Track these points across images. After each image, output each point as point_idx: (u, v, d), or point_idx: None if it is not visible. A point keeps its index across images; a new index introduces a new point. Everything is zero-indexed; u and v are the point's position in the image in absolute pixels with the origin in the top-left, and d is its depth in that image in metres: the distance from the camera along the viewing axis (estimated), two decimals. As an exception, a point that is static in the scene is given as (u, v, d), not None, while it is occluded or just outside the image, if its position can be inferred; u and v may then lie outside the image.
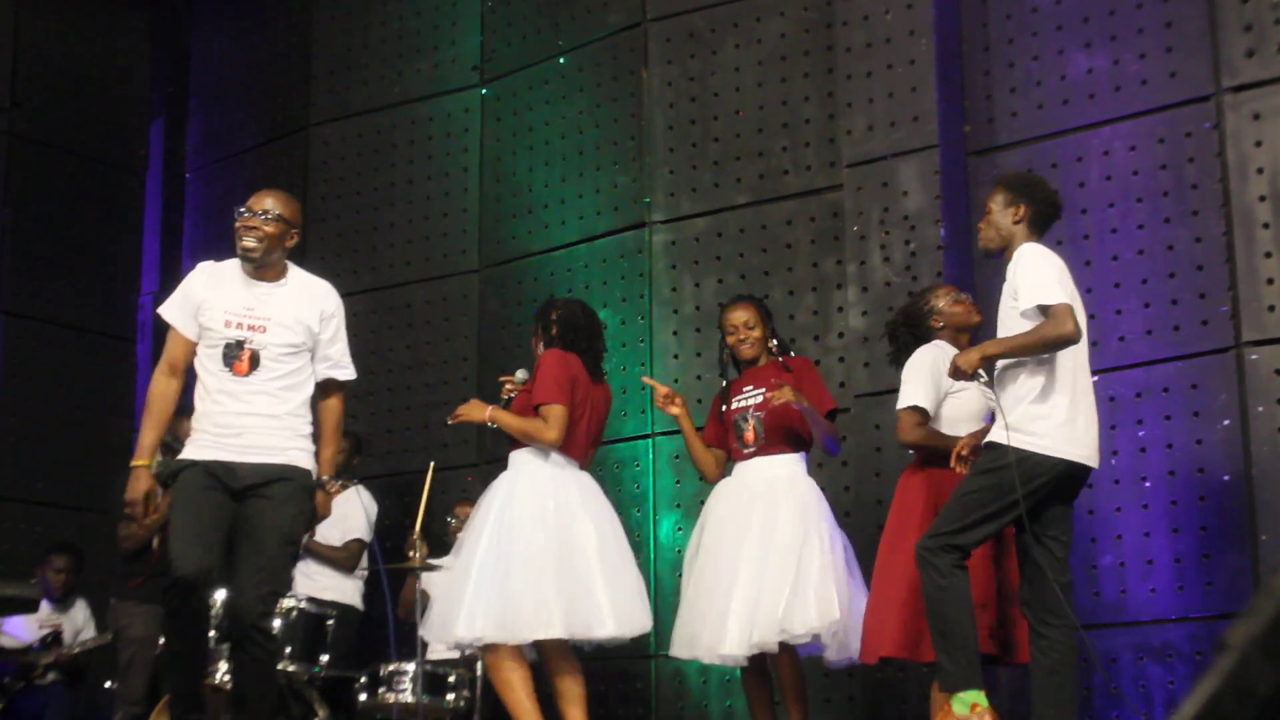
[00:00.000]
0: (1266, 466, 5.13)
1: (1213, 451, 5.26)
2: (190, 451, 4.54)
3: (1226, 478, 5.25)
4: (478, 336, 7.40)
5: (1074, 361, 4.31)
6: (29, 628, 6.91)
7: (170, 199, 8.88)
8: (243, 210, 4.59)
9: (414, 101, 7.86)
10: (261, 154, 8.45)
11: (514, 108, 7.50)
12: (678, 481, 6.46)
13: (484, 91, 7.64)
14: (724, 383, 5.42)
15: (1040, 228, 4.51)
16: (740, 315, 5.33)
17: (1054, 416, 4.26)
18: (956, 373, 4.37)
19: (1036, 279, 4.29)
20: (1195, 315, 5.40)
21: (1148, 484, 5.42)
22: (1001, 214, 4.48)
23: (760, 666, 5.13)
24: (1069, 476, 4.28)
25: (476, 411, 5.12)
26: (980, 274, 5.94)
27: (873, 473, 5.82)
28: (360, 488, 6.91)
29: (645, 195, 6.85)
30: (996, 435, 4.30)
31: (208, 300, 4.56)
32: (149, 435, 4.53)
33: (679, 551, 5.51)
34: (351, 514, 6.74)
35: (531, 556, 4.88)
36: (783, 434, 5.17)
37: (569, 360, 5.13)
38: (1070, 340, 4.26)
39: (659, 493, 6.58)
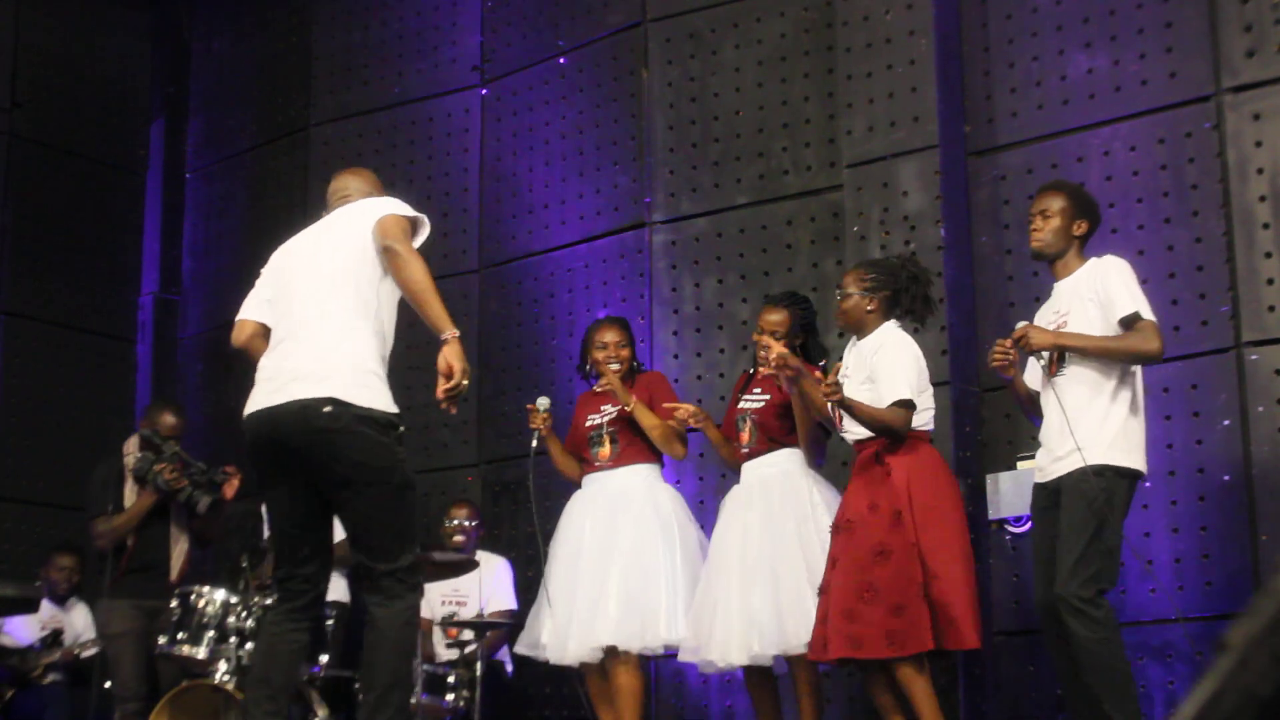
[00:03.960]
0: (1266, 466, 5.14)
1: (1213, 451, 5.26)
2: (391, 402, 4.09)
3: (1226, 478, 5.25)
4: (478, 336, 7.40)
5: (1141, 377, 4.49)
6: (29, 628, 6.90)
7: (170, 199, 8.88)
8: None
9: (414, 101, 7.86)
10: (261, 154, 8.45)
11: (514, 108, 7.49)
12: (678, 481, 6.46)
13: (484, 91, 7.64)
14: (749, 372, 5.48)
15: (1084, 246, 4.67)
16: (773, 318, 5.24)
17: (1140, 431, 4.43)
18: (1027, 344, 4.40)
19: (1136, 289, 4.42)
20: (1195, 315, 5.39)
21: (1148, 484, 5.39)
22: (1065, 223, 4.57)
23: (763, 667, 5.16)
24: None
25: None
26: (980, 274, 5.94)
27: (873, 473, 5.81)
28: None
29: (645, 195, 6.85)
30: (1101, 457, 4.33)
31: None
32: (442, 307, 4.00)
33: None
34: None
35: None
36: (775, 434, 5.22)
37: None
38: (1157, 358, 4.41)
39: (659, 493, 6.57)
